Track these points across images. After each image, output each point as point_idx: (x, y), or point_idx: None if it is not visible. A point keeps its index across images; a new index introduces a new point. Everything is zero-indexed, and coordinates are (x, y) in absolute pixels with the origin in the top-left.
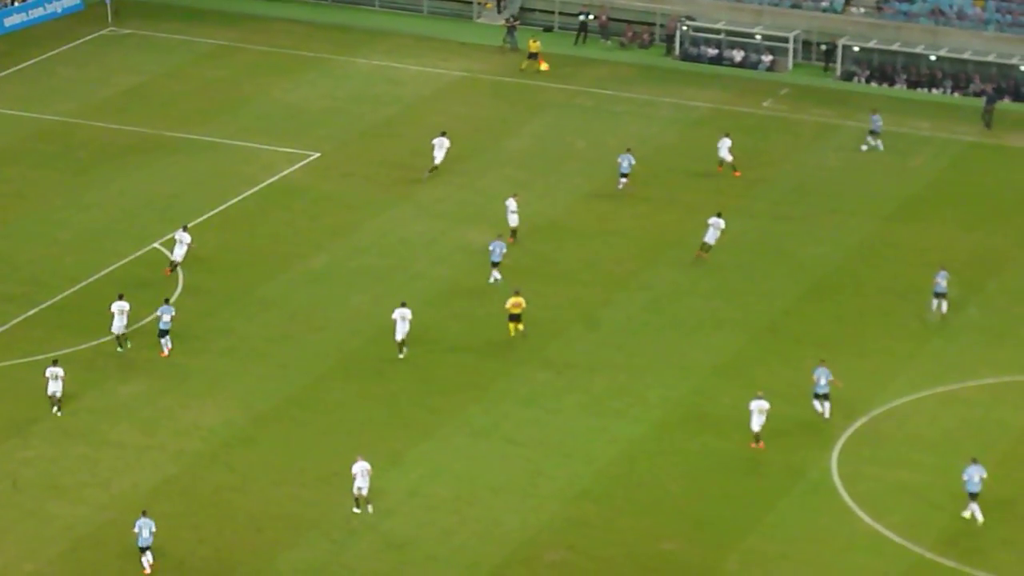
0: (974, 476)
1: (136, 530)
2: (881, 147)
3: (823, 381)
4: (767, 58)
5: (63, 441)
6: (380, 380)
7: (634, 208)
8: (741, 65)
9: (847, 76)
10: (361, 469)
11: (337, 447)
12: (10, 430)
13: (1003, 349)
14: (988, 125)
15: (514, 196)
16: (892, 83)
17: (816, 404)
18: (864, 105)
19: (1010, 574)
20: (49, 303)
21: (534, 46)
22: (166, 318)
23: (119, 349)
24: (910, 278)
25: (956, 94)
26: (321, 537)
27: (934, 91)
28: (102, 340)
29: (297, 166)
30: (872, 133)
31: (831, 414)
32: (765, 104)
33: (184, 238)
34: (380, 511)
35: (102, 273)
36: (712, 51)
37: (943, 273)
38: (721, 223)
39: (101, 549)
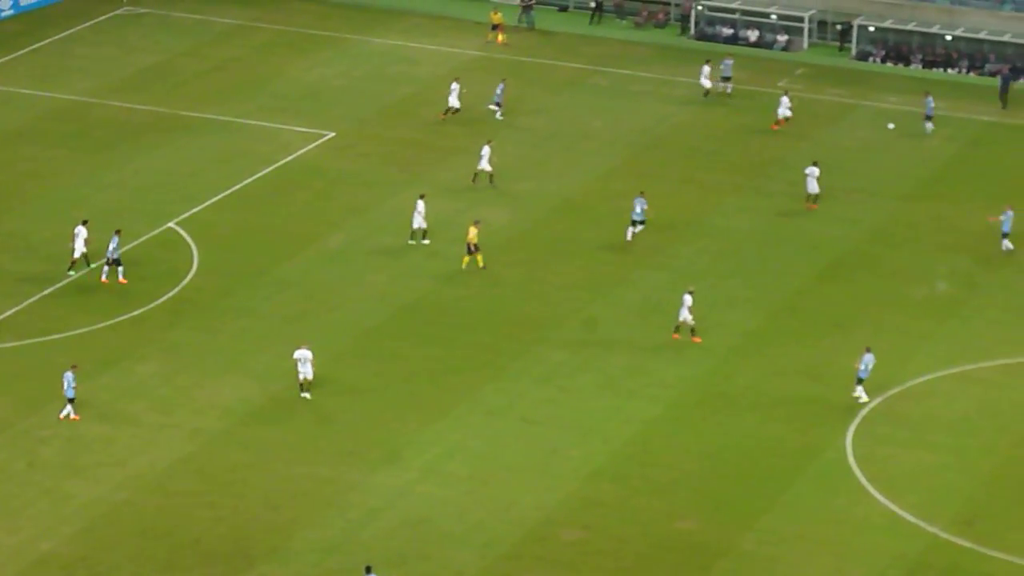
0: (870, 364)
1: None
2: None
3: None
4: (782, 38)
5: (80, 420)
6: (396, 360)
7: (652, 188)
8: (756, 45)
9: (863, 56)
10: (302, 356)
11: (353, 426)
12: (28, 409)
13: (1020, 329)
14: (1005, 105)
15: (488, 142)
16: (908, 63)
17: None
18: (880, 86)
19: None
20: (65, 282)
21: (496, 18)
22: (111, 247)
23: (71, 272)
24: (927, 258)
25: (972, 74)
26: (337, 516)
27: (950, 71)
28: (119, 319)
29: (312, 145)
30: (928, 118)
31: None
32: (780, 84)
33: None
34: (396, 490)
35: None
36: (727, 30)
37: None
38: (816, 171)
39: (117, 528)
